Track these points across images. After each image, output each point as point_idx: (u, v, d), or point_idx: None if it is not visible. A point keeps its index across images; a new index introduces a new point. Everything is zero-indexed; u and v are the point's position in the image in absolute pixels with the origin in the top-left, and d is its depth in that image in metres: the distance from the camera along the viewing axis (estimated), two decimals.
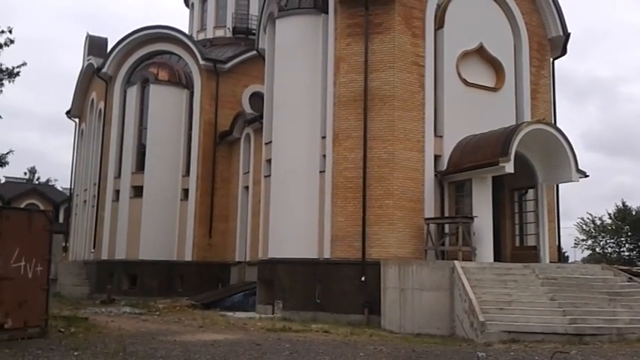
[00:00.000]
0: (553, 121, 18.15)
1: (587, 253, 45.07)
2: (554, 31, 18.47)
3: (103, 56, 25.75)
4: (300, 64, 17.40)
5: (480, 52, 17.09)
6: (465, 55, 16.82)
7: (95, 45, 27.56)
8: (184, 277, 23.22)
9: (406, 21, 16.24)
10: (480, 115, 16.41)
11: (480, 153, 15.18)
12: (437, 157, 16.16)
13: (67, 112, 31.49)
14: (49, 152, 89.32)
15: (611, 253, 42.62)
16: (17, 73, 17.53)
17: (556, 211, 18.18)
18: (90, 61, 27.00)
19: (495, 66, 17.31)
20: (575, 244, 44.36)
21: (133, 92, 24.57)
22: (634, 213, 42.35)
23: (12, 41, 17.18)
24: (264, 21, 19.76)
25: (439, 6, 16.83)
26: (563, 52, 18.97)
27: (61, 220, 40.02)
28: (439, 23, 16.69)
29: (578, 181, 15.59)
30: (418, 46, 16.34)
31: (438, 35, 16.68)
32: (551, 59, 18.93)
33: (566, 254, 44.10)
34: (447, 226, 15.51)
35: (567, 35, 18.57)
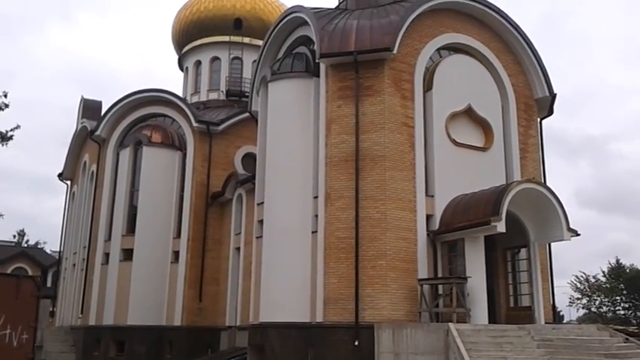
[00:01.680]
0: (543, 180, 18.33)
1: (583, 312, 44.57)
2: (540, 92, 18.91)
3: (96, 119, 25.99)
4: (292, 125, 17.64)
5: (469, 113, 17.40)
6: (454, 116, 17.11)
7: (89, 108, 27.87)
8: (173, 343, 22.61)
9: (395, 84, 16.60)
10: (471, 175, 16.55)
11: (471, 212, 15.21)
12: (429, 217, 16.16)
13: (59, 175, 31.50)
14: (40, 214, 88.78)
15: (606, 312, 42.13)
16: (11, 137, 17.62)
17: (549, 269, 18.05)
18: (83, 124, 27.24)
19: (484, 126, 17.60)
20: (570, 302, 43.94)
21: (126, 154, 24.68)
22: (628, 271, 42.17)
23: (7, 105, 17.38)
24: (257, 84, 20.16)
25: (427, 69, 17.27)
26: (550, 112, 19.37)
27: (49, 284, 39.30)
28: (428, 86, 17.07)
29: (569, 239, 15.58)
30: (408, 108, 16.64)
31: (427, 97, 17.02)
32: (539, 119, 19.30)
33: (561, 313, 43.61)
34: (440, 287, 15.32)
35: (553, 96, 19.00)
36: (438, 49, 17.73)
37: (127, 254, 23.62)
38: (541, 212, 15.57)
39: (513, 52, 18.79)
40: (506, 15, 18.47)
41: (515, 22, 18.59)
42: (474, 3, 18.01)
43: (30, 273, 42.08)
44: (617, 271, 42.21)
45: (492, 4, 18.26)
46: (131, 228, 23.98)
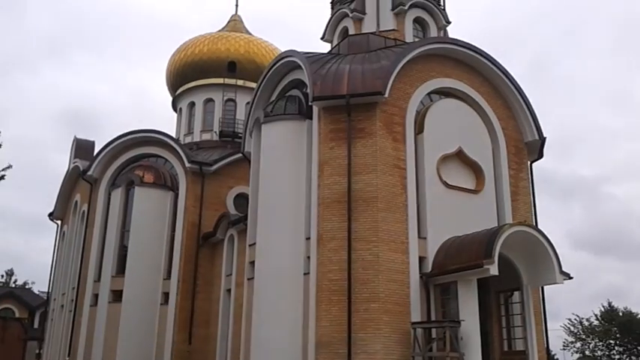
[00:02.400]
0: (535, 223, 18.40)
1: (577, 356, 44.04)
2: (530, 136, 19.17)
3: (89, 159, 26.00)
4: (284, 166, 17.73)
5: (460, 156, 17.57)
6: (445, 158, 17.27)
7: (82, 148, 27.92)
8: None
9: (387, 126, 16.79)
10: (463, 217, 16.60)
11: (464, 255, 15.19)
12: (421, 259, 16.12)
13: (50, 214, 31.30)
14: (29, 254, 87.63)
15: (601, 357, 41.66)
16: (2, 177, 17.64)
17: (543, 312, 17.95)
18: (76, 164, 27.23)
19: (475, 169, 17.75)
20: (564, 346, 43.46)
21: (118, 194, 24.61)
22: (621, 314, 41.91)
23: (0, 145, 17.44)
24: (250, 126, 20.34)
25: (418, 112, 17.51)
26: (540, 155, 19.58)
27: (36, 325, 38.50)
28: (419, 128, 17.28)
29: (562, 283, 15.55)
30: (399, 150, 16.80)
31: (418, 140, 17.21)
32: (529, 162, 19.50)
33: (555, 357, 43.04)
34: (434, 331, 15.17)
35: (543, 140, 19.25)
36: (429, 93, 18.03)
37: (117, 295, 23.28)
38: (533, 255, 15.58)
39: (503, 96, 19.12)
40: (495, 60, 18.87)
41: (504, 68, 18.98)
42: (463, 49, 18.41)
43: (17, 314, 41.24)
44: (610, 315, 41.95)
45: (481, 50, 18.67)
46: (121, 269, 23.70)
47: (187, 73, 31.04)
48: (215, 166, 25.10)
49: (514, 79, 19.07)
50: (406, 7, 19.93)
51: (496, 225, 16.64)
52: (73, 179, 28.70)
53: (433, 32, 20.53)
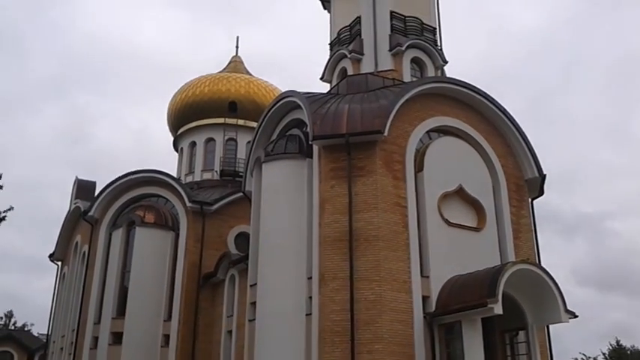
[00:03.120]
0: (538, 260, 18.26)
1: None
2: (530, 173, 19.20)
3: (90, 199, 26.03)
4: (285, 205, 17.72)
5: (460, 194, 17.56)
6: (446, 196, 17.26)
7: (83, 188, 27.97)
8: None
9: (387, 165, 16.84)
10: (465, 255, 16.49)
11: (467, 294, 15.02)
12: (425, 298, 15.94)
13: (50, 255, 31.14)
14: (29, 295, 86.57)
15: None
16: (3, 218, 17.63)
17: (549, 352, 17.68)
18: (77, 205, 27.23)
19: (476, 207, 17.72)
20: None
21: (119, 235, 24.53)
22: (629, 353, 41.16)
23: (1, 187, 17.49)
24: (251, 165, 20.42)
25: (418, 150, 17.59)
26: (541, 192, 19.57)
27: None
28: (419, 166, 17.33)
29: (567, 321, 15.35)
30: (400, 188, 16.81)
31: (418, 178, 17.23)
32: (530, 199, 19.48)
33: None
34: None
35: (543, 177, 19.27)
36: (428, 132, 18.15)
37: (117, 338, 22.96)
38: (538, 293, 15.41)
39: (502, 134, 19.24)
40: (492, 98, 19.06)
41: (501, 105, 19.15)
42: (460, 88, 18.62)
43: (16, 357, 40.67)
44: (618, 353, 41.19)
45: (478, 89, 18.86)
46: (121, 310, 23.45)
47: (188, 114, 31.34)
48: (216, 206, 25.09)
49: (512, 117, 19.23)
50: (403, 48, 20.23)
51: (499, 263, 16.53)
52: (74, 220, 28.65)
53: (430, 72, 20.79)
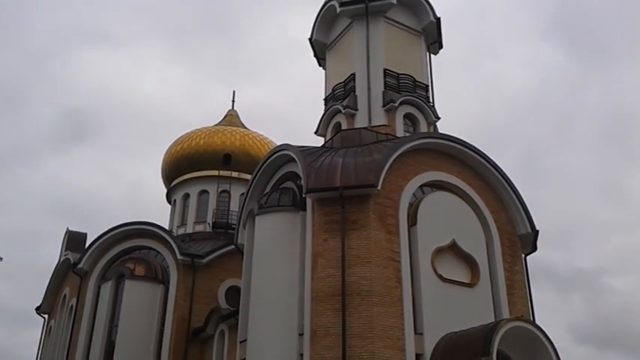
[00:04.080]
0: (532, 318, 18.04)
1: None
2: (523, 229, 19.20)
3: (80, 251, 25.71)
4: (278, 259, 17.55)
5: (454, 249, 17.49)
6: (439, 251, 17.18)
7: (74, 240, 27.66)
8: None
9: (381, 219, 16.83)
10: (459, 311, 16.27)
11: (461, 352, 14.74)
12: (418, 356, 15.59)
13: (37, 308, 30.48)
14: (13, 348, 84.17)
15: None
16: None
17: None
18: (67, 256, 26.89)
19: (469, 262, 17.61)
20: None
21: (107, 288, 24.10)
22: None
23: None
24: (244, 217, 20.34)
25: (411, 205, 17.61)
26: (534, 248, 19.52)
27: None
28: (412, 221, 17.31)
29: None
30: (393, 243, 16.73)
31: (411, 232, 17.18)
32: (523, 255, 19.41)
33: None
34: None
35: (536, 232, 19.28)
36: (421, 186, 18.21)
37: None
38: (533, 351, 15.15)
39: (494, 189, 19.35)
40: (484, 154, 19.26)
41: (493, 161, 19.33)
42: (452, 144, 18.84)
43: None
44: None
45: (470, 145, 19.10)
46: None
47: (183, 166, 31.46)
48: (207, 258, 24.83)
49: (504, 173, 19.39)
50: (396, 104, 20.59)
51: (493, 319, 16.30)
52: (63, 272, 28.21)
53: (423, 127, 21.09)
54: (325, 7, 23.43)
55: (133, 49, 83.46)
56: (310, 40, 24.04)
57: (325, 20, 23.61)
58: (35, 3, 77.50)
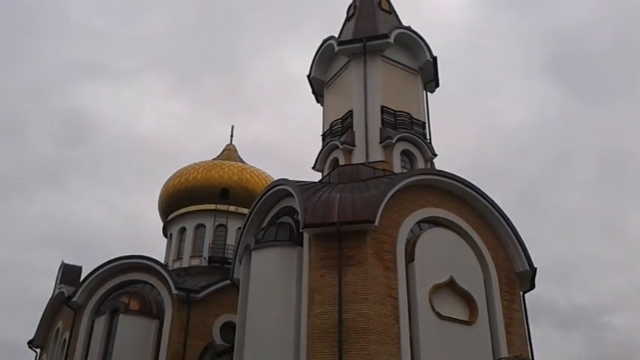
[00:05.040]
0: (531, 356, 17.83)
1: None
2: (520, 266, 19.15)
3: (75, 284, 25.50)
4: (274, 294, 17.42)
5: (451, 286, 17.39)
6: (437, 288, 17.07)
7: (69, 273, 27.42)
8: None
9: (378, 254, 16.78)
10: (457, 350, 16.10)
11: None
12: None
13: (30, 342, 30.02)
14: None
15: None
16: None
17: None
18: (61, 290, 26.62)
19: (467, 299, 17.50)
20: None
21: (101, 322, 23.82)
22: None
23: None
24: (240, 252, 20.27)
25: (408, 241, 17.59)
26: (532, 286, 19.45)
27: None
28: (409, 257, 17.26)
29: None
30: (391, 279, 16.65)
31: (409, 268, 17.11)
32: (522, 293, 19.31)
33: None
34: None
35: (534, 270, 19.23)
36: (419, 222, 18.22)
37: None
38: None
39: (491, 226, 19.36)
40: (481, 191, 19.33)
41: (490, 198, 19.38)
42: (449, 180, 18.94)
43: None
44: None
45: (467, 181, 19.19)
46: None
47: (180, 200, 31.47)
48: (202, 293, 24.64)
49: (501, 210, 19.42)
50: (394, 141, 20.78)
51: (491, 358, 16.16)
52: (57, 305, 27.89)
53: (420, 164, 21.24)
54: (324, 46, 23.86)
55: (134, 82, 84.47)
56: (309, 77, 24.40)
57: (323, 58, 24.02)
58: (38, 36, 78.78)
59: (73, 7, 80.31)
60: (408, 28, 23.45)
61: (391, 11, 25.46)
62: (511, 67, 76.40)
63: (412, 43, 23.33)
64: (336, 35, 24.21)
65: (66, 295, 25.42)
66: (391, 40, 22.54)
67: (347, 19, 25.58)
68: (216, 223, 30.48)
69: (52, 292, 28.86)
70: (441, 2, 77.86)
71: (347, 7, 26.09)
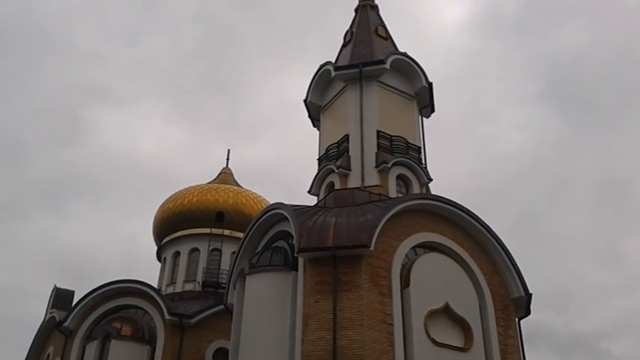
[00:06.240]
0: None
1: None
2: (516, 292, 19.02)
3: (67, 309, 25.18)
4: (268, 320, 17.24)
5: (447, 312, 17.23)
6: (432, 313, 16.92)
7: (61, 297, 27.08)
8: None
9: (373, 280, 16.65)
10: None
11: None
12: None
13: None
14: None
15: None
16: None
17: None
18: (52, 314, 26.29)
19: (463, 325, 17.33)
20: None
21: (93, 348, 23.43)
22: None
23: None
24: (234, 277, 20.11)
25: (404, 266, 17.48)
26: (528, 312, 19.29)
27: None
28: (405, 283, 17.13)
29: None
30: (386, 305, 16.49)
31: (404, 294, 16.96)
32: (517, 319, 19.15)
33: None
34: None
35: (529, 296, 19.10)
36: (414, 247, 18.15)
37: None
38: None
39: (486, 252, 19.28)
40: (477, 216, 19.30)
41: (485, 224, 19.33)
42: (445, 205, 18.91)
43: None
44: None
45: (462, 206, 19.16)
46: None
47: (175, 223, 31.30)
48: (195, 319, 24.36)
49: (496, 236, 19.36)
50: (389, 165, 20.80)
51: None
52: (48, 330, 27.48)
53: (416, 188, 21.23)
54: (320, 71, 24.03)
55: (134, 106, 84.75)
56: (305, 101, 24.53)
57: (320, 83, 24.17)
58: (39, 60, 79.20)
59: (75, 31, 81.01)
60: (404, 54, 23.66)
61: (387, 38, 25.73)
62: (509, 93, 77.08)
63: (408, 68, 23.52)
64: (333, 60, 24.41)
65: (57, 320, 25.09)
66: (387, 65, 22.72)
67: (344, 45, 25.84)
68: (211, 247, 30.28)
69: (43, 317, 28.49)
70: (440, 29, 79.03)
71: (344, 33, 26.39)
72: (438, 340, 16.49)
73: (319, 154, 23.43)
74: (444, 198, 19.08)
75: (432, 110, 24.39)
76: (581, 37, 73.04)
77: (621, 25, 71.29)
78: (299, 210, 18.57)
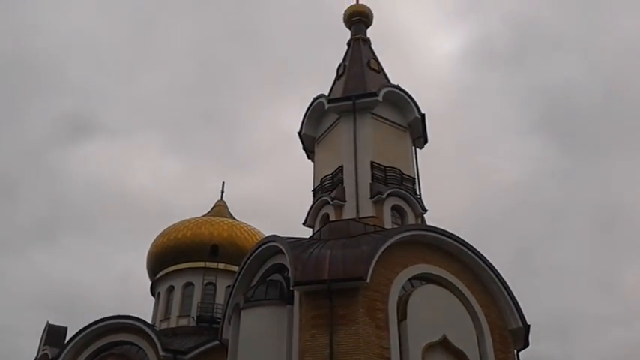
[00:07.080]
0: None
1: None
2: (514, 323, 18.85)
3: (59, 346, 24.75)
4: (263, 355, 16.97)
5: (445, 344, 17.02)
6: (430, 346, 16.71)
7: (53, 334, 26.69)
8: None
9: (369, 313, 16.47)
10: None
11: None
12: None
13: None
14: None
15: None
16: None
17: None
18: (45, 351, 25.83)
19: (461, 358, 17.07)
20: None
21: None
22: None
23: None
24: (229, 311, 19.86)
25: (400, 298, 17.32)
26: (526, 343, 19.09)
27: None
28: (402, 315, 16.95)
29: None
30: (383, 338, 16.28)
31: (401, 327, 16.76)
32: (516, 351, 18.94)
33: None
34: None
35: (527, 327, 18.92)
36: (410, 279, 18.01)
37: None
38: None
39: (484, 283, 19.15)
40: (473, 247, 19.23)
41: (482, 255, 19.23)
42: (441, 236, 18.85)
43: None
44: None
45: (459, 237, 19.10)
46: None
47: (169, 257, 31.05)
48: (190, 355, 23.97)
49: (493, 266, 19.26)
50: (384, 196, 20.81)
51: None
52: None
53: (411, 219, 21.20)
54: (314, 103, 24.23)
55: (128, 139, 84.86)
56: (299, 133, 24.65)
57: (314, 115, 24.35)
58: (32, 95, 79.58)
59: (69, 67, 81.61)
60: (397, 87, 23.92)
61: (380, 70, 26.04)
62: (505, 125, 77.54)
63: (401, 100, 23.75)
64: (327, 93, 24.63)
65: (50, 357, 24.65)
66: (380, 98, 22.94)
67: (337, 78, 26.11)
68: (205, 281, 30.00)
69: (36, 354, 27.99)
70: (435, 61, 79.96)
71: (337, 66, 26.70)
72: None
73: (314, 185, 23.45)
74: (440, 229, 19.04)
75: (426, 141, 24.54)
76: (573, 68, 74.09)
77: (613, 56, 72.45)
78: (294, 242, 18.48)
